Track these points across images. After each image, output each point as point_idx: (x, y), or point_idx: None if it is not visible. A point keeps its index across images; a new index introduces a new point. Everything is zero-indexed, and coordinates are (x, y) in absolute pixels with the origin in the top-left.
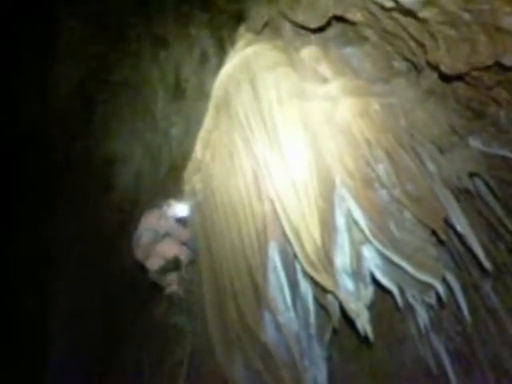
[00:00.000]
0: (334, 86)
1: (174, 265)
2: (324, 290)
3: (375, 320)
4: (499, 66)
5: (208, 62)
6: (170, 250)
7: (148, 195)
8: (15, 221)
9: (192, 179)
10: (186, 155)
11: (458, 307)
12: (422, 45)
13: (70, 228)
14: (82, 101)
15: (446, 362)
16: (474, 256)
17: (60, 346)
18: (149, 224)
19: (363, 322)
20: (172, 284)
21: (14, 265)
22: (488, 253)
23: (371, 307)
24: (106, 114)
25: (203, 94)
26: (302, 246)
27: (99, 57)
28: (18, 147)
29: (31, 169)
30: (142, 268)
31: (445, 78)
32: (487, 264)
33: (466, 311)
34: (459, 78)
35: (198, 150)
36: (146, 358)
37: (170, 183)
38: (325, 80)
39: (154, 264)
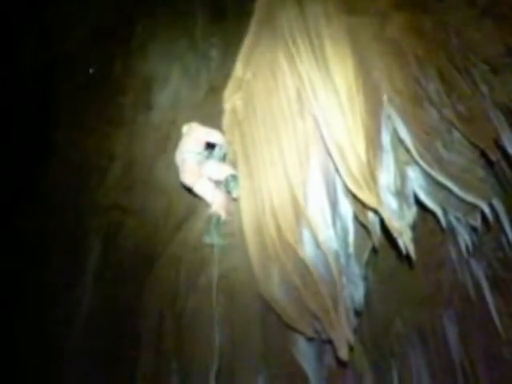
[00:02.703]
0: (385, 1)
1: (229, 183)
2: (365, 209)
3: (415, 244)
4: None
5: None
6: (217, 170)
7: (186, 116)
8: (51, 144)
9: (233, 97)
10: (225, 76)
11: (502, 231)
12: None
13: (104, 145)
14: (120, 21)
15: (485, 287)
16: None
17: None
18: (190, 146)
19: (406, 241)
20: (217, 204)
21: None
22: None
23: (412, 229)
24: (144, 35)
25: (244, 14)
26: (345, 163)
27: None
28: (55, 67)
29: (68, 89)
30: (180, 189)
31: None
32: None
33: (510, 235)
34: None
35: (239, 68)
36: (182, 276)
37: (208, 104)
38: None
39: (202, 186)
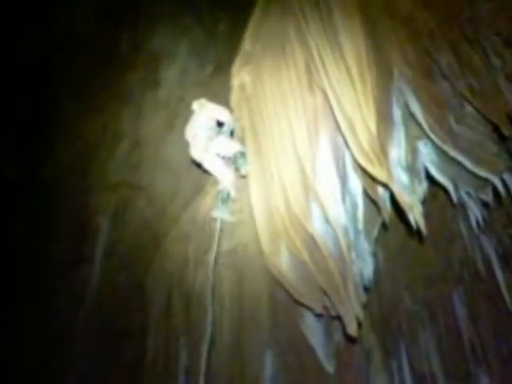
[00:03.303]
0: None
1: (233, 162)
2: (375, 183)
3: (424, 218)
4: None
5: None
6: (227, 146)
7: (194, 93)
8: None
9: (241, 72)
10: (233, 53)
11: None
12: None
13: (112, 122)
14: None
15: (495, 264)
16: None
17: None
18: (201, 122)
19: (416, 216)
20: (226, 180)
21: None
22: None
23: (423, 204)
24: (151, 11)
25: None
26: (355, 136)
27: None
28: (60, 46)
29: (73, 67)
30: (188, 167)
31: None
32: None
33: None
34: None
35: (248, 42)
36: (190, 252)
37: (216, 81)
38: None
39: (212, 161)
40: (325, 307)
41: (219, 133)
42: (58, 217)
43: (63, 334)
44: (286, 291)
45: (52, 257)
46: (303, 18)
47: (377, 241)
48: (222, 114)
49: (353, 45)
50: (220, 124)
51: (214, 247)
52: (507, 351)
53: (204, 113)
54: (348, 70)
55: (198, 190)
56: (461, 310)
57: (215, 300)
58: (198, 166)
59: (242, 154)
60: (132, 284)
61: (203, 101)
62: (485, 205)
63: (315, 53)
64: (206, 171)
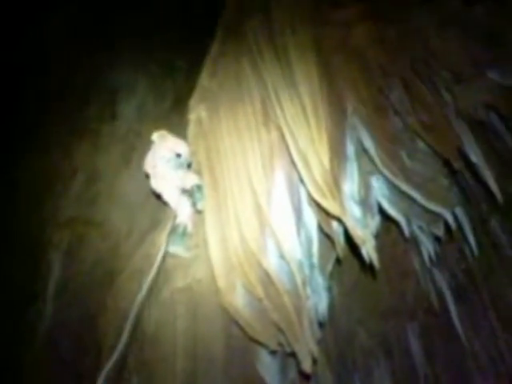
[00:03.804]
0: (349, 11)
1: (190, 195)
2: (329, 217)
3: (378, 253)
4: None
5: None
6: (185, 179)
7: (152, 127)
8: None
9: (198, 108)
10: (191, 87)
11: (465, 242)
12: None
13: (68, 156)
14: (84, 33)
15: (448, 298)
16: (485, 189)
17: None
18: (162, 153)
19: (369, 250)
20: (184, 214)
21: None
22: (499, 187)
23: (375, 238)
24: (111, 45)
25: (210, 24)
26: (309, 171)
27: None
28: (18, 76)
29: (29, 99)
30: (143, 201)
31: (466, 1)
32: (499, 196)
33: (473, 245)
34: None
35: (205, 77)
36: (144, 290)
37: (174, 115)
38: (340, 5)
39: (171, 193)
40: (280, 344)
41: (179, 165)
42: (11, 252)
43: (13, 371)
44: (241, 328)
45: (3, 292)
46: (259, 54)
47: (332, 276)
48: (180, 146)
49: (307, 82)
50: (178, 155)
51: (170, 284)
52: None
53: (164, 144)
54: (303, 106)
55: (154, 224)
56: (415, 345)
57: (169, 338)
58: (158, 197)
59: (199, 188)
60: (85, 321)
61: (163, 132)
62: (437, 239)
63: (271, 89)
64: (164, 203)
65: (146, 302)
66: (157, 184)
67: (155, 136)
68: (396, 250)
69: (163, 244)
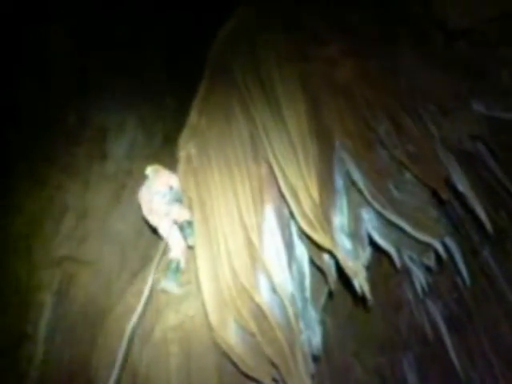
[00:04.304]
0: (335, 48)
1: (185, 229)
2: (320, 250)
3: (371, 287)
4: (504, 17)
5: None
6: (179, 213)
7: (142, 165)
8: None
9: (187, 145)
10: (180, 125)
11: (457, 272)
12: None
13: (58, 195)
14: (75, 70)
15: (442, 328)
16: (475, 219)
17: None
18: (157, 187)
19: (361, 281)
20: (178, 248)
21: None
22: (488, 217)
23: (367, 272)
24: (100, 84)
25: (199, 62)
26: (299, 205)
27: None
28: (6, 117)
29: (19, 139)
30: (134, 239)
31: (450, 36)
32: (489, 226)
33: (465, 275)
34: (464, 34)
35: (194, 116)
36: (136, 328)
37: (164, 153)
38: (325, 42)
39: (166, 228)
40: (274, 379)
41: (173, 199)
42: (1, 295)
43: None
44: (235, 365)
45: None
46: (247, 92)
47: (325, 309)
48: (174, 180)
49: (295, 117)
50: (171, 188)
51: (162, 322)
52: None
53: (158, 179)
54: (291, 141)
55: (146, 261)
56: (411, 377)
57: (162, 377)
58: (154, 231)
59: (190, 224)
60: (77, 361)
61: (157, 166)
62: (428, 269)
63: (259, 125)
64: (156, 239)
65: (137, 341)
66: (153, 219)
67: (149, 170)
68: (389, 282)
69: (154, 281)
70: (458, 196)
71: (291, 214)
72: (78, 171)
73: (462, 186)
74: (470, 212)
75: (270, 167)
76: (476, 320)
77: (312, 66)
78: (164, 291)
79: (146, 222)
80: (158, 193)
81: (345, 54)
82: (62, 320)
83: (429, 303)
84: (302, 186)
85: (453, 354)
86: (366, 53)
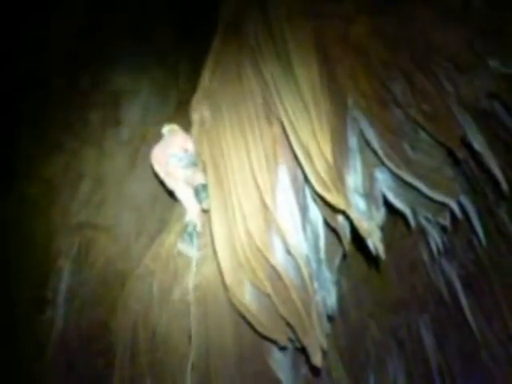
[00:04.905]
0: (349, 5)
1: (200, 193)
2: (334, 211)
3: (386, 248)
4: None
5: None
6: (195, 178)
7: (156, 130)
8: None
9: (200, 107)
10: (194, 88)
11: (472, 232)
12: None
13: (73, 162)
14: (86, 34)
15: (458, 288)
16: (491, 178)
17: None
18: (173, 150)
19: (375, 241)
20: (193, 213)
21: None
22: (504, 176)
23: (382, 233)
24: (113, 48)
25: (211, 25)
26: (312, 165)
27: None
28: (20, 85)
29: (32, 106)
30: (151, 203)
31: None
32: (505, 185)
33: (481, 235)
34: None
35: (206, 77)
36: (155, 290)
37: (178, 118)
38: None
39: (183, 191)
40: (289, 339)
41: (189, 163)
42: (19, 260)
43: (28, 378)
44: (251, 324)
45: (14, 301)
46: (258, 50)
47: (340, 270)
48: (189, 142)
49: (307, 75)
50: (186, 151)
51: (180, 284)
52: (476, 377)
53: (174, 140)
54: (303, 100)
55: (163, 225)
56: (427, 337)
57: (181, 337)
58: (170, 194)
59: (204, 187)
60: (97, 325)
61: (175, 126)
62: (444, 229)
63: (271, 84)
64: (173, 202)
65: (156, 302)
66: (170, 182)
67: (166, 129)
68: (404, 243)
69: (172, 244)
70: (474, 155)
71: (304, 174)
72: (92, 137)
73: (478, 144)
74: (486, 171)
75: (283, 126)
76: (492, 279)
77: (325, 23)
78: (181, 254)
79: (162, 186)
80: (174, 156)
81: (358, 11)
82: (82, 285)
83: (444, 263)
84: (315, 145)
85: (469, 315)
86: (382, 10)
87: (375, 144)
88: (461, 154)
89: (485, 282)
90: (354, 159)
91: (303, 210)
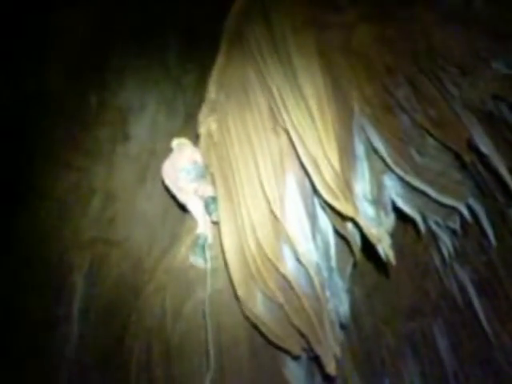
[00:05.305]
0: (350, 13)
1: (209, 206)
2: (343, 219)
3: (398, 254)
4: None
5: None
6: (204, 191)
7: (165, 145)
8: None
9: (207, 120)
10: (201, 102)
11: (483, 234)
12: None
13: (84, 179)
14: (94, 52)
15: (472, 292)
16: (499, 180)
17: None
18: (183, 164)
19: (385, 248)
20: (203, 225)
21: None
22: None
23: (393, 241)
24: (120, 63)
25: (217, 39)
26: (320, 173)
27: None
28: (30, 103)
29: (42, 124)
30: (162, 217)
31: None
32: None
33: (491, 237)
34: None
35: (212, 91)
36: (168, 303)
37: (186, 131)
38: (340, 8)
39: (194, 204)
40: (303, 349)
41: (199, 175)
42: (33, 278)
43: None
44: (264, 335)
45: (28, 319)
46: (263, 62)
47: (352, 278)
48: (197, 155)
49: (312, 84)
50: (195, 163)
51: (193, 296)
52: (492, 381)
53: (183, 154)
54: (309, 109)
55: (174, 239)
56: (442, 342)
57: (196, 350)
58: (182, 208)
59: (214, 200)
60: (111, 340)
61: (184, 140)
62: (454, 233)
63: (276, 95)
64: (183, 215)
65: (169, 316)
66: (181, 196)
67: (175, 143)
68: (416, 250)
69: (183, 257)
70: (481, 157)
71: (311, 183)
72: (101, 154)
73: (485, 147)
74: (494, 173)
75: (290, 137)
76: (505, 282)
77: (327, 33)
78: (193, 267)
79: (172, 200)
80: (183, 170)
81: (360, 19)
82: (95, 300)
83: (457, 268)
84: (322, 154)
85: (483, 319)
86: (383, 16)
87: (382, 151)
88: (468, 157)
89: (498, 285)
90: (361, 166)
91: (312, 218)
